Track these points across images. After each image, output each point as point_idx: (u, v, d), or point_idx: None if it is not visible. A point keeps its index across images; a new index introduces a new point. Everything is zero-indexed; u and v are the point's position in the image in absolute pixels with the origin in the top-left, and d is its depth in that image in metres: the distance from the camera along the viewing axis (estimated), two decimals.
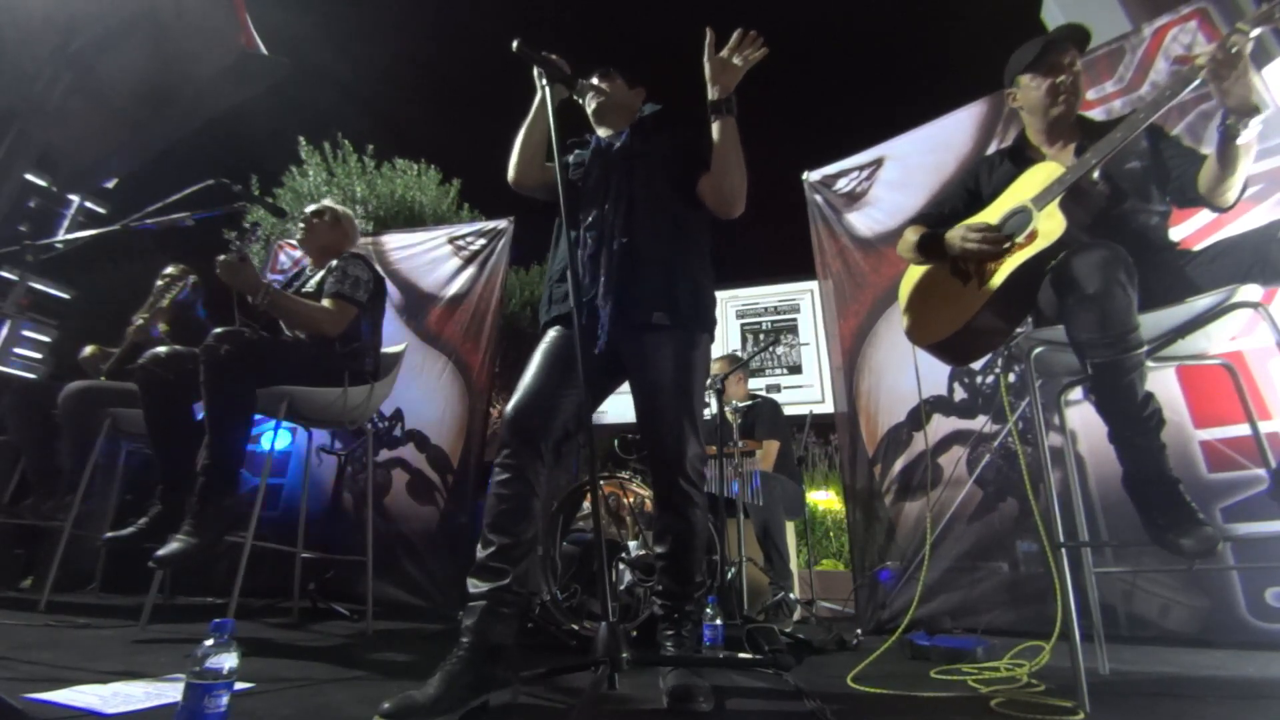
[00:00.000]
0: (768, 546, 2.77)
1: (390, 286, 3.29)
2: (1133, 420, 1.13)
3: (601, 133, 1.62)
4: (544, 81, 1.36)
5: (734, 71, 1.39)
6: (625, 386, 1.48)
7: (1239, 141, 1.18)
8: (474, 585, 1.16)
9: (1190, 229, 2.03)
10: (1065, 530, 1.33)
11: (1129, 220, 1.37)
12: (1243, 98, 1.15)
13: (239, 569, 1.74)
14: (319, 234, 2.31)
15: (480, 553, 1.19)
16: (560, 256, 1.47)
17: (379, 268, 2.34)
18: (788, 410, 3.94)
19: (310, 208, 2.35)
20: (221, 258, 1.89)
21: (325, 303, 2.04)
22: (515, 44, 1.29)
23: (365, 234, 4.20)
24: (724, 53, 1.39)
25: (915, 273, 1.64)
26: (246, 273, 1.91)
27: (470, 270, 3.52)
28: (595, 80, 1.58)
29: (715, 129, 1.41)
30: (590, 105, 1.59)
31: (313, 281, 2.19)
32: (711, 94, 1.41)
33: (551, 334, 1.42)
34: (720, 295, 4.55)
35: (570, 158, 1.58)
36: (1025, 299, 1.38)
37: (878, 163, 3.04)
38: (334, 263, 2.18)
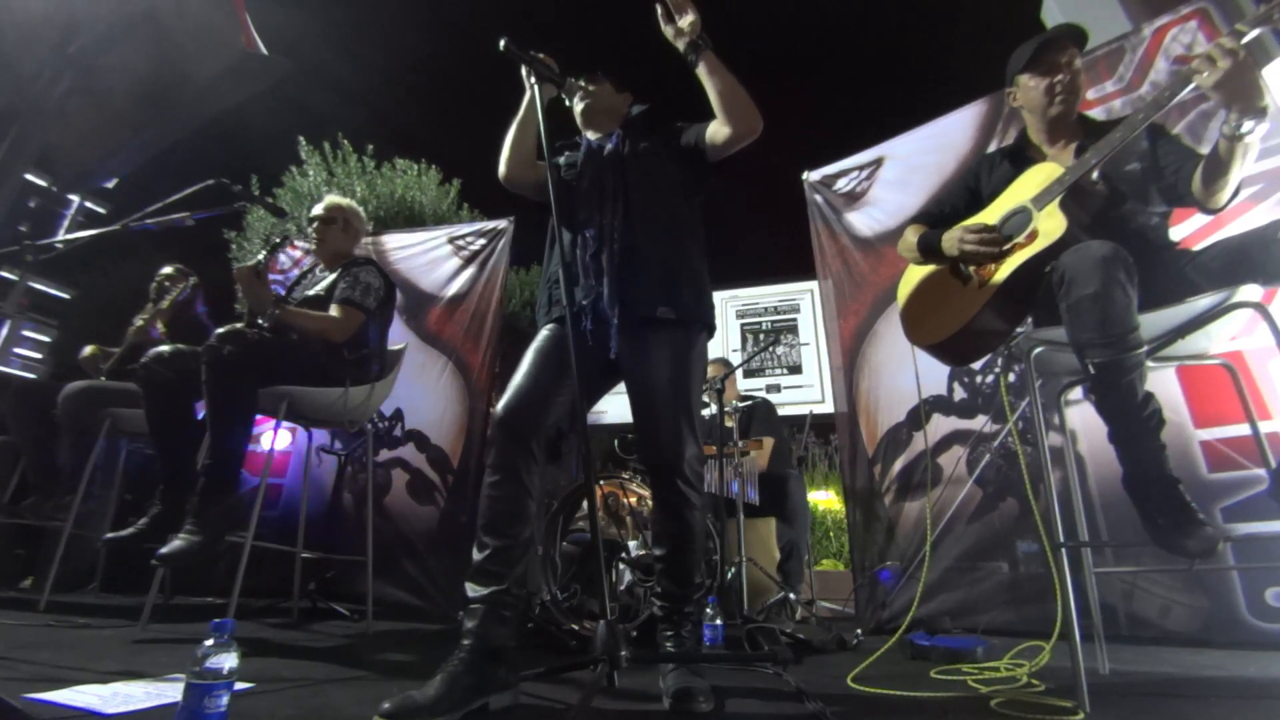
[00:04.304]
0: (790, 563, 2.79)
1: None
2: (1133, 420, 1.13)
3: (589, 135, 1.61)
4: (533, 80, 1.36)
5: (685, 6, 1.39)
6: (622, 386, 1.46)
7: (1247, 139, 1.14)
8: (473, 589, 1.15)
9: (1190, 229, 2.03)
10: (1065, 530, 1.32)
11: (1129, 220, 1.37)
12: (1246, 98, 1.12)
13: (239, 569, 1.74)
14: (332, 241, 2.30)
15: (476, 556, 1.17)
16: (557, 258, 1.47)
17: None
18: (788, 410, 3.96)
19: (319, 211, 2.31)
20: (241, 265, 1.91)
21: (333, 309, 2.05)
22: (502, 43, 1.29)
23: (365, 234, 4.19)
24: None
25: (914, 273, 1.63)
26: (259, 289, 1.93)
27: (470, 270, 3.52)
28: (582, 82, 1.57)
29: (701, 70, 1.40)
30: (577, 107, 1.58)
31: (324, 285, 2.19)
32: (681, 45, 1.41)
33: (545, 332, 1.41)
34: (720, 295, 4.61)
35: (561, 159, 1.58)
36: (1025, 299, 1.38)
37: (878, 163, 3.03)
38: (348, 267, 2.19)
